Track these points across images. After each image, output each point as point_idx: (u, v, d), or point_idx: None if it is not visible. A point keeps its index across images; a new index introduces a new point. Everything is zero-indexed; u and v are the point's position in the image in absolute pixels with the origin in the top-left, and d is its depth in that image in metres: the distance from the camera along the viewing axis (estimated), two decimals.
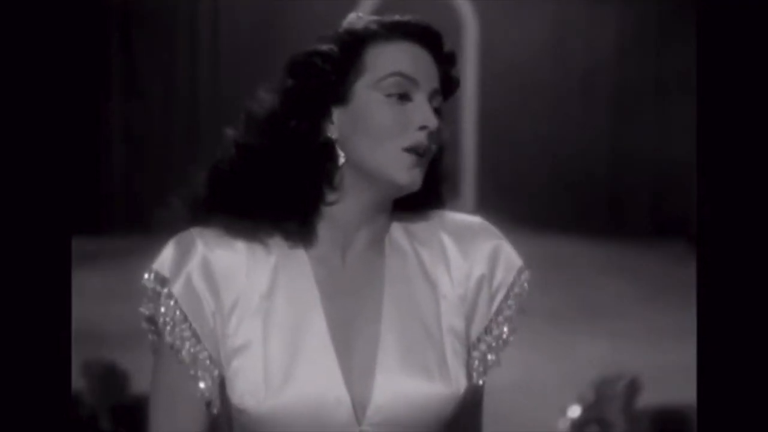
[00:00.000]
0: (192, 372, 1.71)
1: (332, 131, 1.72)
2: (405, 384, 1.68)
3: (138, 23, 11.14)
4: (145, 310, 1.74)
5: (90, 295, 7.49)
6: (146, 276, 1.73)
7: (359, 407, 1.67)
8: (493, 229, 1.81)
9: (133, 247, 10.22)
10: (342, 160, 1.71)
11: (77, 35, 9.98)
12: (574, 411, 4.89)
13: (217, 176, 1.73)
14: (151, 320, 1.74)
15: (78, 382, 4.75)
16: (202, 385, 1.71)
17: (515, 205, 10.44)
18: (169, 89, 11.28)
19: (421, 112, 1.70)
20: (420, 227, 1.79)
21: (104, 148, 11.14)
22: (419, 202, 1.77)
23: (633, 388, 4.90)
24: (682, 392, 4.70)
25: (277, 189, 1.70)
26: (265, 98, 1.73)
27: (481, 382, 1.78)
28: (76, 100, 10.14)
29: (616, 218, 11.21)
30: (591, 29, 11.10)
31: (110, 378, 4.98)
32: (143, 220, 10.95)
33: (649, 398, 5.00)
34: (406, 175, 1.69)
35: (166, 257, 1.72)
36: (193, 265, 1.71)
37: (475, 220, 1.82)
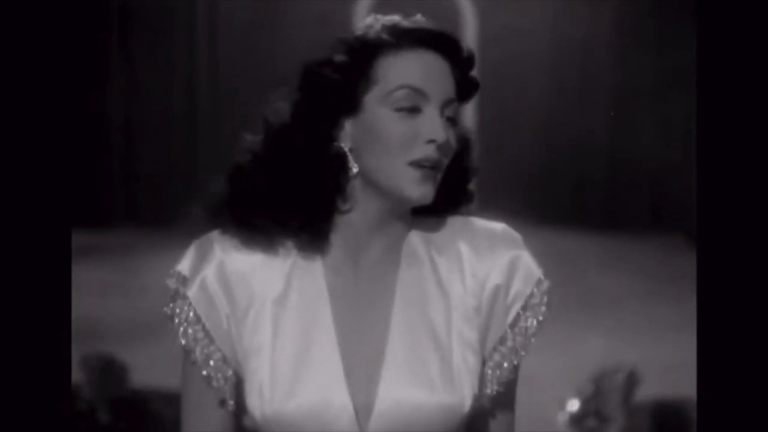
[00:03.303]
0: (204, 373, 1.73)
1: (345, 141, 1.70)
2: (407, 395, 1.68)
3: (137, 20, 11.14)
4: (167, 310, 1.75)
5: (89, 288, 7.48)
6: (170, 277, 1.74)
7: (363, 415, 1.68)
8: (515, 238, 1.78)
9: (133, 242, 10.24)
10: (355, 170, 1.70)
11: (77, 32, 9.97)
12: (573, 404, 4.89)
13: (235, 182, 1.73)
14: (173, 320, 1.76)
15: (77, 375, 4.75)
16: (214, 384, 1.73)
17: (514, 199, 10.43)
18: (168, 85, 11.28)
19: (430, 125, 1.68)
20: (439, 234, 1.77)
21: (103, 143, 11.14)
22: (448, 200, 1.76)
23: (632, 381, 4.90)
24: (682, 385, 4.70)
25: (289, 198, 1.70)
26: (280, 108, 1.72)
27: (491, 391, 1.76)
28: (75, 96, 10.13)
29: (615, 212, 11.21)
30: (590, 27, 11.09)
31: (109, 371, 4.99)
32: (142, 215, 10.97)
33: (648, 391, 5.00)
34: (416, 189, 1.68)
35: (186, 259, 1.74)
36: (210, 269, 1.73)
37: (498, 227, 1.79)
